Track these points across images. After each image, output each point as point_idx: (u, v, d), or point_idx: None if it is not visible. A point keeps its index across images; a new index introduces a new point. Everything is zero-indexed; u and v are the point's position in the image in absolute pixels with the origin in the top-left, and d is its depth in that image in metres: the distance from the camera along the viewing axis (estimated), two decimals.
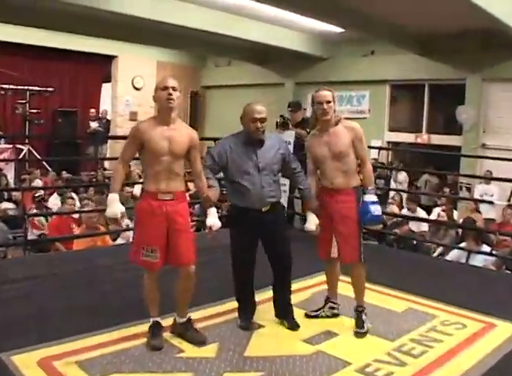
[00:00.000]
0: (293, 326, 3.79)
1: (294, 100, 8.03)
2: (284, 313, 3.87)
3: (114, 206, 3.36)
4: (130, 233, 7.72)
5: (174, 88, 3.38)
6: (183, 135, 3.44)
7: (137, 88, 15.38)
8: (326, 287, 4.15)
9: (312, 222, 3.81)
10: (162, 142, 3.36)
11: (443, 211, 8.85)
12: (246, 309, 3.84)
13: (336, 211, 3.74)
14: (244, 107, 3.73)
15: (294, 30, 12.05)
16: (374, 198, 3.74)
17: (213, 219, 3.51)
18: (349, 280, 3.94)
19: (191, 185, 10.76)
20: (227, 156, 3.66)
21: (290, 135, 6.32)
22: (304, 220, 4.13)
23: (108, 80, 15.42)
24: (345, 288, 4.17)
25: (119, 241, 7.32)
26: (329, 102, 3.71)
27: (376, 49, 12.37)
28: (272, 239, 3.74)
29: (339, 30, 10.99)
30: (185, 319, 3.59)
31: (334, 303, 4.06)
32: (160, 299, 3.53)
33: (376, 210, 3.71)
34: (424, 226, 8.42)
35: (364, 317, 3.81)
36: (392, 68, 12.06)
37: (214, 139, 6.45)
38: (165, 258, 3.41)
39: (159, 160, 3.36)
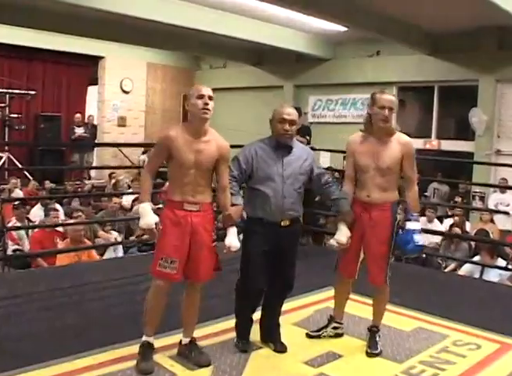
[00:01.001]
0: (282, 349, 3.78)
1: (293, 105, 8.07)
2: (272, 335, 3.86)
3: (148, 216, 3.35)
4: (119, 248, 7.74)
5: (210, 98, 3.40)
6: (212, 148, 3.44)
7: (126, 92, 15.40)
8: (328, 304, 4.17)
9: (344, 234, 3.76)
10: (189, 155, 3.37)
11: (454, 223, 8.86)
12: (246, 329, 3.84)
13: (369, 227, 3.71)
14: (274, 110, 3.77)
15: (294, 29, 12.09)
16: (418, 226, 3.69)
17: (232, 239, 3.52)
18: (358, 298, 3.94)
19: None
20: (253, 161, 3.67)
21: None
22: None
23: (94, 82, 15.45)
24: (352, 307, 4.17)
25: (107, 256, 7.32)
26: (391, 109, 3.63)
27: (382, 49, 12.44)
28: (283, 259, 3.74)
29: (342, 28, 11.03)
30: (189, 339, 3.61)
31: (339, 323, 4.06)
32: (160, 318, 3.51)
33: (419, 240, 3.66)
34: (435, 238, 8.42)
35: (378, 338, 3.83)
36: (399, 69, 12.11)
37: None
38: (184, 273, 3.43)
39: (185, 173, 3.39)
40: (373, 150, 3.69)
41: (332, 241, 3.80)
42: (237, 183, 3.67)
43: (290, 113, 3.70)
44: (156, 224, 3.36)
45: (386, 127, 3.65)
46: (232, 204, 3.58)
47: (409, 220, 3.67)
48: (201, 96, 3.38)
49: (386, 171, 3.66)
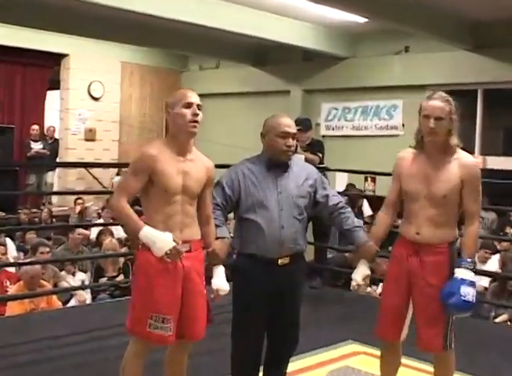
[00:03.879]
0: None
1: (302, 116, 8.14)
2: None
3: (159, 237, 3.29)
4: (87, 294, 7.73)
5: (199, 107, 3.41)
6: (200, 169, 3.48)
7: (95, 98, 15.41)
8: (347, 363, 4.17)
9: (360, 273, 3.76)
10: (175, 177, 3.37)
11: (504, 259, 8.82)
12: None
13: (419, 276, 3.61)
14: (266, 120, 3.79)
15: (302, 21, 12.13)
16: (469, 276, 3.52)
17: (220, 281, 3.54)
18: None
19: None
20: (239, 185, 3.69)
21: None
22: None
23: (56, 87, 15.46)
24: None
25: (72, 303, 7.31)
26: (440, 119, 3.52)
27: (411, 45, 12.48)
28: (283, 306, 3.75)
29: (361, 19, 11.09)
30: None
31: None
32: None
33: (467, 294, 3.47)
34: (482, 280, 8.38)
35: None
36: (433, 69, 12.15)
37: None
38: (177, 330, 3.40)
39: (171, 200, 3.37)
40: (424, 173, 3.61)
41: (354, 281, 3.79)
42: (222, 213, 3.69)
43: (291, 124, 3.73)
44: (173, 239, 3.31)
45: (434, 140, 3.56)
46: (217, 238, 3.60)
47: (459, 266, 3.54)
48: (189, 105, 3.38)
49: (441, 201, 3.56)
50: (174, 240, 3.29)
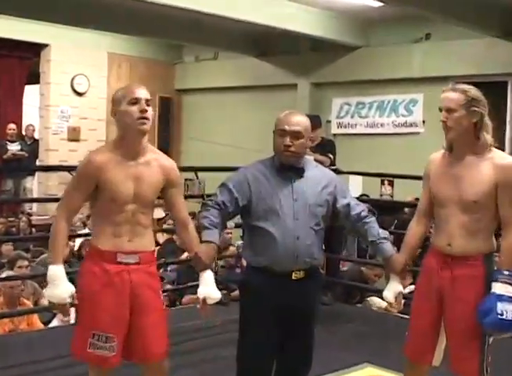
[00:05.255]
0: None
1: (311, 113, 8.13)
2: None
3: (61, 286, 3.35)
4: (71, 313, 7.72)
5: (147, 102, 3.42)
6: (155, 172, 3.49)
7: (79, 93, 15.42)
8: None
9: (391, 290, 3.75)
10: (126, 185, 3.40)
11: None
12: None
13: (451, 291, 3.59)
14: (278, 116, 3.78)
15: (309, 6, 12.17)
16: (508, 291, 3.46)
17: (208, 289, 3.53)
18: None
19: (160, 236, 10.87)
20: (250, 189, 3.68)
21: None
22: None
23: (35, 81, 15.48)
24: None
25: (54, 324, 7.32)
26: (451, 110, 3.51)
27: (432, 32, 12.51)
28: (296, 325, 3.75)
29: (376, 3, 11.12)
30: None
31: None
32: None
33: (505, 311, 3.41)
34: None
35: None
36: (458, 59, 12.14)
37: (195, 169, 6.49)
38: (125, 351, 3.43)
39: (120, 209, 3.41)
40: (453, 175, 3.60)
41: (374, 299, 3.79)
42: (218, 213, 3.65)
43: (294, 122, 3.69)
44: (70, 297, 3.34)
45: (450, 137, 3.57)
46: (202, 241, 3.58)
47: (496, 280, 3.48)
48: (135, 101, 3.39)
49: (472, 207, 3.52)
50: (70, 297, 3.34)
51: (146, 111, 3.38)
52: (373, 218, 3.85)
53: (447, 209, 3.59)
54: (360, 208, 3.83)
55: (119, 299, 3.38)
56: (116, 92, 3.51)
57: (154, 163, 3.50)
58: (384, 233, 3.82)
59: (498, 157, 3.56)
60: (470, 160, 3.56)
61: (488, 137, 3.54)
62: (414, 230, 3.81)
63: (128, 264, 3.41)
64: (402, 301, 3.79)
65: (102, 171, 3.38)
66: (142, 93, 3.41)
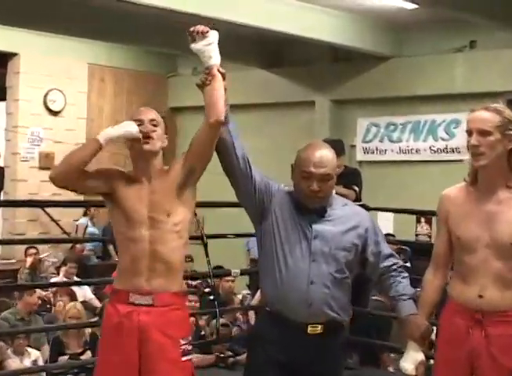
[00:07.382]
0: None
1: (331, 138, 8.12)
2: None
3: (123, 123, 3.76)
4: None
5: (152, 122, 3.82)
6: (168, 189, 3.70)
7: (53, 112, 15.47)
8: None
9: (409, 360, 3.72)
10: (138, 206, 3.64)
11: None
12: None
13: (485, 356, 3.52)
14: (298, 151, 3.79)
15: (329, 8, 12.23)
16: None
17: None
18: None
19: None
20: (271, 197, 3.77)
21: None
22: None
23: (0, 97, 15.61)
24: None
25: None
26: (484, 133, 3.48)
27: (479, 39, 12.56)
28: None
29: (409, 5, 11.18)
30: None
31: None
32: None
33: None
34: None
35: None
36: (508, 71, 12.17)
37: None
38: None
39: (135, 234, 3.60)
40: (484, 213, 3.56)
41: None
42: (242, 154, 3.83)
43: (321, 162, 3.68)
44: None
45: (479, 165, 3.52)
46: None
47: None
48: (139, 123, 3.78)
49: (510, 251, 3.50)
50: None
51: (151, 131, 3.75)
52: (405, 274, 3.83)
53: (476, 255, 3.56)
54: (392, 261, 3.82)
55: (126, 346, 3.49)
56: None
57: (171, 172, 3.77)
58: (409, 290, 3.78)
59: None
60: (504, 194, 3.55)
61: None
62: (432, 284, 3.78)
63: (139, 305, 3.53)
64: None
65: (121, 179, 3.77)
66: (147, 115, 3.83)
